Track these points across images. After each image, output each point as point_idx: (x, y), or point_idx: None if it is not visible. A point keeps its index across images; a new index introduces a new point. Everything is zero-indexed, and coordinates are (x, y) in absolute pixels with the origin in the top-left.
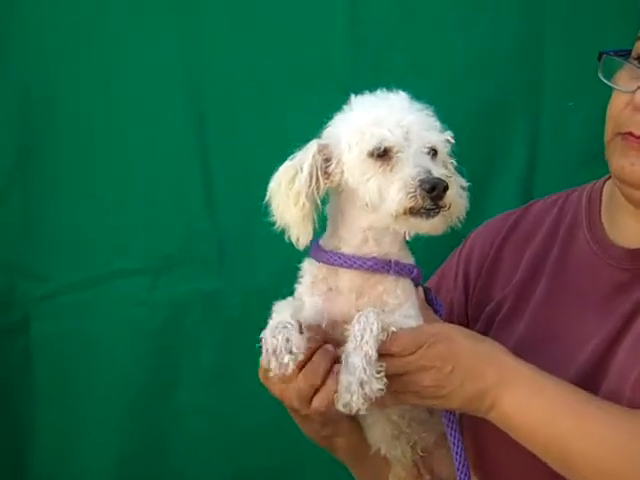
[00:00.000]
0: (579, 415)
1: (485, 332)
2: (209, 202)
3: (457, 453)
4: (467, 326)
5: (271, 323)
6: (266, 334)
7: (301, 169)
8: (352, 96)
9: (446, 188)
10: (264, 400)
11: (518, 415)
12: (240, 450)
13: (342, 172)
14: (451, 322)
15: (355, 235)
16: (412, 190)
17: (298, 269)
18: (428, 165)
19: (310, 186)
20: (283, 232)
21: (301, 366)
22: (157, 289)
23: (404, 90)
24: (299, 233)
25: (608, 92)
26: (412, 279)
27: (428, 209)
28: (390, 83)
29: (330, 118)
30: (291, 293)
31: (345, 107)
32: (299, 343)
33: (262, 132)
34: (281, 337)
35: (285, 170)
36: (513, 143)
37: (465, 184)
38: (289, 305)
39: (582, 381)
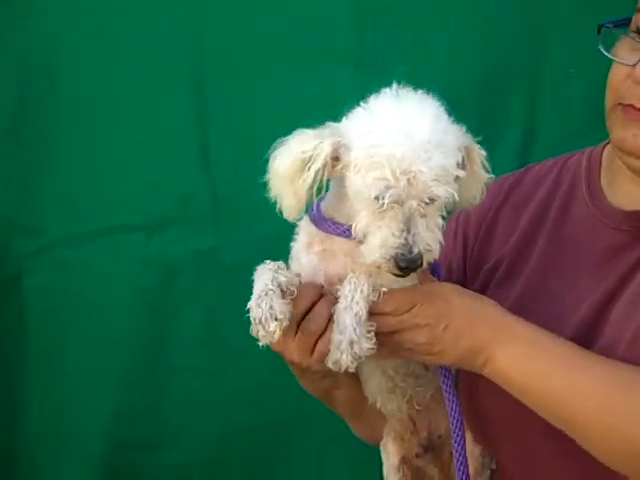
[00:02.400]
0: (573, 369)
1: (482, 291)
2: (205, 162)
3: (452, 408)
4: (465, 286)
5: (254, 292)
6: (251, 304)
7: (309, 168)
8: (395, 88)
9: (420, 265)
10: (257, 358)
11: (512, 370)
12: (233, 408)
13: (345, 174)
14: (450, 282)
15: (351, 214)
16: (387, 257)
17: (292, 231)
18: (414, 231)
19: (313, 186)
20: None
21: (300, 318)
22: (151, 247)
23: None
24: (291, 213)
25: (609, 60)
26: None
27: (397, 274)
28: (395, 53)
29: (331, 89)
30: (287, 252)
31: (367, 102)
32: (282, 308)
33: (259, 94)
34: (264, 305)
35: (292, 162)
36: (513, 110)
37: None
38: (269, 270)
39: (577, 339)
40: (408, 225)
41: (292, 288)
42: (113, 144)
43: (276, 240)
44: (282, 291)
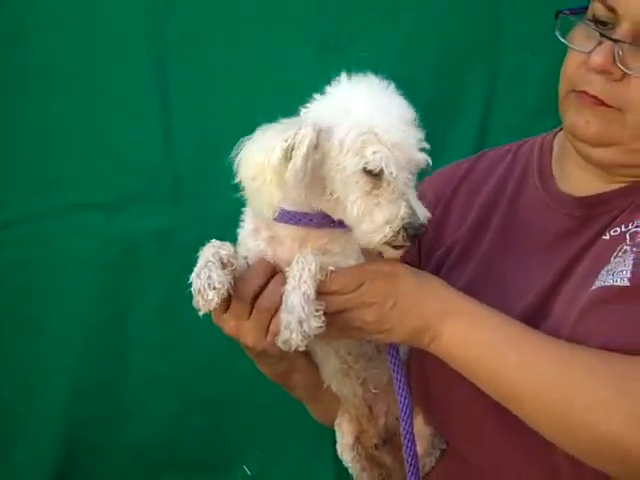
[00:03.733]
0: (518, 346)
1: (436, 274)
2: (167, 140)
3: (399, 387)
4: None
5: (196, 266)
6: (192, 276)
7: (291, 156)
8: (343, 76)
9: (425, 232)
10: (215, 334)
11: (458, 347)
12: (192, 383)
13: (321, 162)
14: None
15: (303, 205)
16: (396, 229)
17: None
18: (413, 202)
19: (301, 177)
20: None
21: (253, 297)
22: (112, 224)
23: (368, 42)
24: (268, 209)
25: (566, 45)
26: None
27: (400, 246)
28: (355, 35)
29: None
30: None
31: (338, 84)
32: (221, 278)
33: (222, 74)
34: (204, 276)
35: (274, 151)
36: (470, 94)
37: None
38: (212, 246)
39: (525, 320)
40: (405, 196)
41: (232, 261)
42: (75, 122)
43: (237, 219)
44: (222, 263)
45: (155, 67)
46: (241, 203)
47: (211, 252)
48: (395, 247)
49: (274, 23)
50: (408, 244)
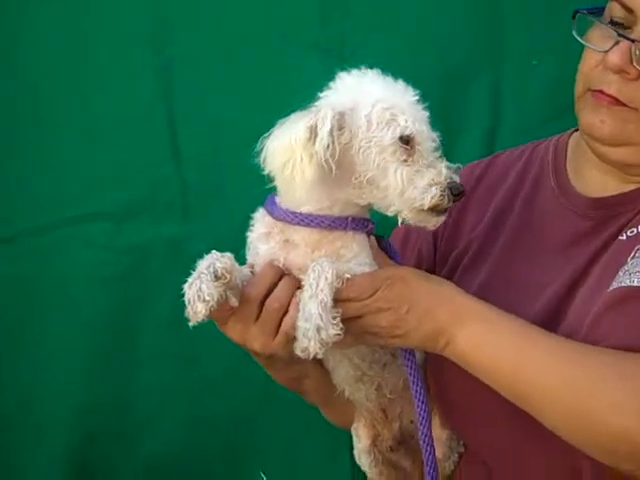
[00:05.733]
0: (532, 347)
1: (450, 277)
2: (175, 149)
3: (416, 391)
4: (434, 273)
5: (191, 277)
6: (185, 287)
7: (316, 133)
8: (353, 71)
9: (464, 191)
10: (227, 345)
11: (472, 351)
12: (203, 396)
13: (349, 144)
14: (420, 269)
15: (323, 200)
16: (442, 188)
17: None
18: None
19: (329, 151)
20: (252, 181)
21: (262, 299)
22: (121, 234)
23: (372, 51)
24: (304, 190)
25: (571, 51)
26: (366, 232)
27: (445, 209)
28: (361, 43)
29: (299, 77)
30: None
31: (343, 77)
32: (210, 290)
33: (228, 82)
34: (194, 287)
35: (298, 131)
36: (477, 101)
37: None
38: (209, 257)
39: (541, 323)
40: (436, 162)
41: (227, 273)
42: (82, 132)
43: (245, 227)
44: (216, 276)
45: (161, 77)
46: (251, 210)
47: (206, 264)
48: (438, 212)
49: (278, 34)
50: (452, 204)
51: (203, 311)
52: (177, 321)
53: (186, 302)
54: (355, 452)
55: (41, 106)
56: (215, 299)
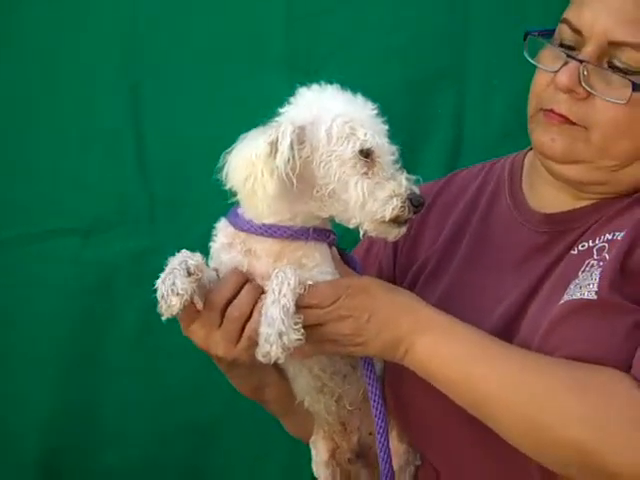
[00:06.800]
0: (488, 358)
1: (410, 290)
2: (141, 163)
3: (375, 401)
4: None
5: (163, 273)
6: (158, 282)
7: (277, 148)
8: (312, 85)
9: (424, 202)
10: (192, 358)
11: (430, 359)
12: (168, 408)
13: (309, 158)
14: None
15: (285, 213)
16: (403, 201)
17: None
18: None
19: (289, 165)
20: (218, 195)
21: (224, 306)
22: (87, 249)
23: (333, 69)
24: (265, 204)
25: (531, 71)
26: (328, 243)
27: (405, 220)
28: (326, 58)
29: (264, 92)
30: None
31: (303, 92)
32: (184, 285)
33: (194, 96)
34: (168, 282)
35: (259, 146)
36: (440, 118)
37: None
38: (180, 255)
39: (496, 334)
40: (397, 173)
41: (199, 270)
42: (47, 146)
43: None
44: (188, 272)
45: (127, 91)
46: (214, 225)
47: (178, 260)
48: (399, 223)
49: (244, 51)
50: (412, 216)
51: (177, 304)
52: (143, 335)
53: (159, 297)
54: (313, 465)
55: (9, 121)
56: (189, 293)
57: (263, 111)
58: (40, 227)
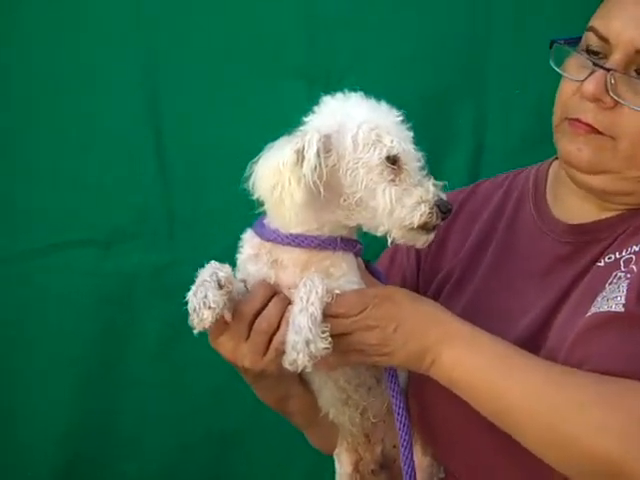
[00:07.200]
0: (513, 369)
1: (434, 300)
2: (162, 175)
3: (399, 414)
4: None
5: (194, 285)
6: (189, 295)
7: (303, 156)
8: (337, 94)
9: (452, 210)
10: (212, 370)
11: (456, 370)
12: (188, 422)
13: (336, 166)
14: None
15: (312, 222)
16: (431, 207)
17: None
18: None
19: (316, 173)
20: (239, 206)
21: (252, 318)
22: (106, 261)
23: (353, 80)
24: (293, 213)
25: (552, 80)
26: (354, 253)
27: (433, 227)
28: (346, 70)
29: (285, 105)
30: None
31: (327, 101)
32: (216, 298)
33: (214, 109)
34: (199, 294)
35: (286, 154)
36: (461, 128)
37: None
38: (211, 267)
39: (522, 346)
40: (424, 180)
41: (229, 283)
42: (68, 158)
43: (233, 253)
44: (219, 284)
45: (148, 103)
46: (236, 237)
47: (209, 272)
48: (427, 230)
49: (265, 61)
50: (440, 222)
51: (210, 318)
52: (163, 345)
53: (190, 310)
54: (337, 477)
55: (28, 132)
56: (221, 306)
57: (285, 121)
58: (59, 238)
